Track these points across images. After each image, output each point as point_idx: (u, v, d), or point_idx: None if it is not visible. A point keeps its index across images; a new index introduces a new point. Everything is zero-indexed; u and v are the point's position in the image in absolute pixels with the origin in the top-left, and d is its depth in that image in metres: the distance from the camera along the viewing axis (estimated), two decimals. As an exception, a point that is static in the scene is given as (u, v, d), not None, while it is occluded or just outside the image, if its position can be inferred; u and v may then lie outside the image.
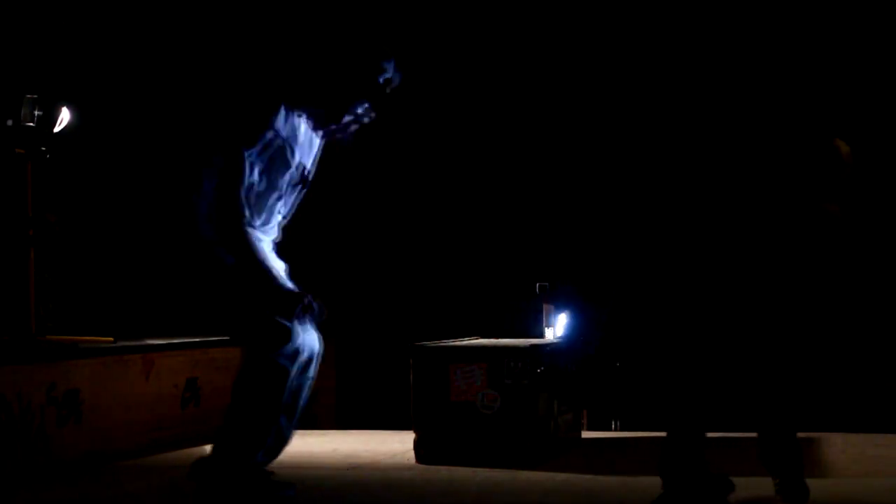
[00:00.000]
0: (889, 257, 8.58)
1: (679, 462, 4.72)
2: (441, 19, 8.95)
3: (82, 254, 8.05)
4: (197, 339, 7.33)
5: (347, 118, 5.03)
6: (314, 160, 5.16)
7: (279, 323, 4.87)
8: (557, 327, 6.98)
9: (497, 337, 6.92)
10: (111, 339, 7.04)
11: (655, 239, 4.60)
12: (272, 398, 4.89)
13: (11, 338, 6.83)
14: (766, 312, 4.63)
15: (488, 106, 8.99)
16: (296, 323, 4.91)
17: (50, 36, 8.14)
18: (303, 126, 5.04)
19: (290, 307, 4.87)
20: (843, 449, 6.48)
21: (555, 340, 6.82)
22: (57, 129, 7.08)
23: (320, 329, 5.12)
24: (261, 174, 4.91)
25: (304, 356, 4.97)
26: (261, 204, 4.96)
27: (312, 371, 5.06)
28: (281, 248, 5.17)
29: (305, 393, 5.07)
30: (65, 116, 7.09)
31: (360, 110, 5.02)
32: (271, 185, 4.97)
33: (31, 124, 7.00)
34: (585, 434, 7.16)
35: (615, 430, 8.06)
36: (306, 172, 5.11)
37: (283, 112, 4.96)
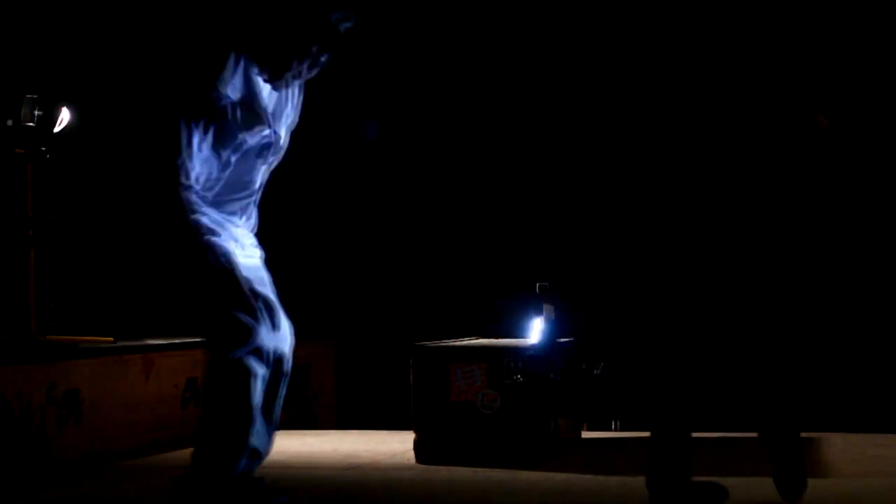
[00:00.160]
0: (889, 257, 8.58)
1: (665, 467, 4.64)
2: (440, 16, 8.95)
3: (82, 254, 8.05)
4: (197, 339, 7.33)
5: (302, 64, 4.63)
6: (289, 127, 4.81)
7: (237, 319, 4.52)
8: (533, 333, 6.71)
9: (497, 337, 6.92)
10: (111, 339, 7.04)
11: (639, 236, 4.56)
12: (241, 401, 4.54)
13: (11, 338, 6.83)
14: (753, 308, 4.57)
15: (487, 107, 8.99)
16: (260, 317, 4.55)
17: (50, 36, 8.14)
18: (267, 89, 4.65)
19: (242, 301, 4.51)
20: (843, 449, 6.47)
21: (532, 345, 6.55)
22: (57, 129, 7.09)
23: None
24: (213, 141, 4.55)
25: (272, 353, 4.63)
26: (215, 174, 4.59)
27: (287, 366, 4.73)
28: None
29: (282, 391, 4.76)
30: (65, 116, 7.09)
31: (313, 50, 4.62)
32: (225, 152, 4.59)
33: (31, 124, 7.01)
34: (585, 434, 7.16)
35: (615, 430, 8.06)
36: (277, 138, 4.73)
37: (233, 70, 4.57)
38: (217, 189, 4.62)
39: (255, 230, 4.83)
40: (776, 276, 4.49)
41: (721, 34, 4.24)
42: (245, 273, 4.58)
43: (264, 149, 4.71)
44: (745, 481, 5.08)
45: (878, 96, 8.38)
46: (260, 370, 4.56)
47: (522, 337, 6.91)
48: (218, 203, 4.64)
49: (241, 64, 4.59)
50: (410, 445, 6.36)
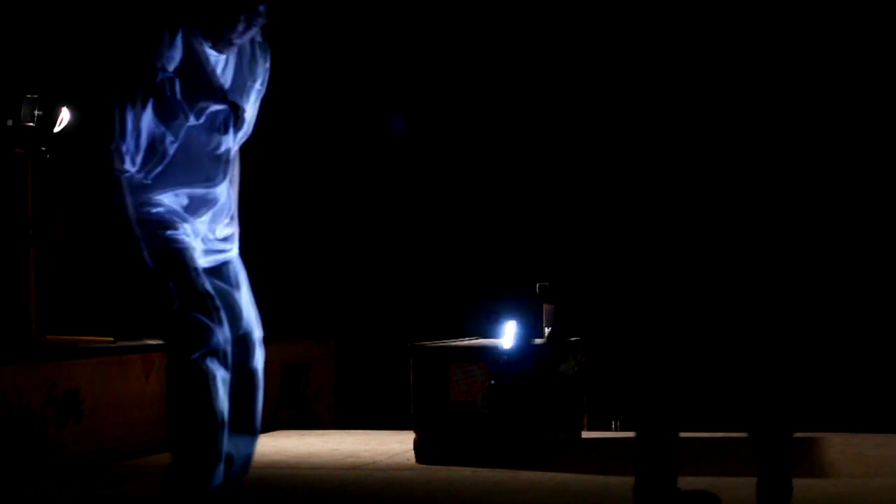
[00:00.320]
0: (888, 257, 8.58)
1: (650, 471, 4.51)
2: (435, 15, 8.95)
3: (82, 254, 8.05)
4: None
5: (240, 26, 4.24)
6: (256, 100, 4.44)
7: (191, 319, 4.18)
8: (506, 336, 6.52)
9: (497, 337, 6.92)
10: (111, 339, 7.04)
11: (626, 235, 4.49)
12: (203, 407, 4.17)
13: (12, 338, 6.83)
14: (745, 307, 4.48)
15: (487, 108, 8.99)
16: (214, 316, 4.21)
17: (50, 36, 8.14)
18: (221, 62, 4.30)
19: (195, 300, 4.17)
20: (843, 449, 6.47)
21: (505, 350, 6.43)
22: (57, 129, 7.09)
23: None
24: (154, 120, 4.19)
25: (229, 354, 4.28)
26: (159, 156, 4.22)
27: (256, 362, 4.40)
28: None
29: (258, 392, 4.43)
30: (65, 116, 7.09)
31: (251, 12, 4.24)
32: (168, 130, 4.22)
33: (31, 124, 7.01)
34: (585, 434, 7.16)
35: (615, 430, 8.06)
36: (236, 112, 4.33)
37: (169, 44, 4.20)
38: (166, 173, 4.24)
39: (232, 217, 4.47)
40: (769, 275, 4.43)
41: (713, 29, 4.22)
42: (198, 270, 4.25)
43: (220, 124, 4.31)
44: (746, 481, 5.07)
45: (874, 94, 8.38)
46: (219, 372, 4.20)
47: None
48: (171, 188, 4.27)
49: (179, 36, 4.22)
50: (410, 445, 6.36)
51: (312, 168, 9.21)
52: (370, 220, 9.34)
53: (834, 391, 8.55)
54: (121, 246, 4.26)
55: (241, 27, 4.25)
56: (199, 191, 4.31)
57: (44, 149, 7.10)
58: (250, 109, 4.42)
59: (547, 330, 6.85)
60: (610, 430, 8.06)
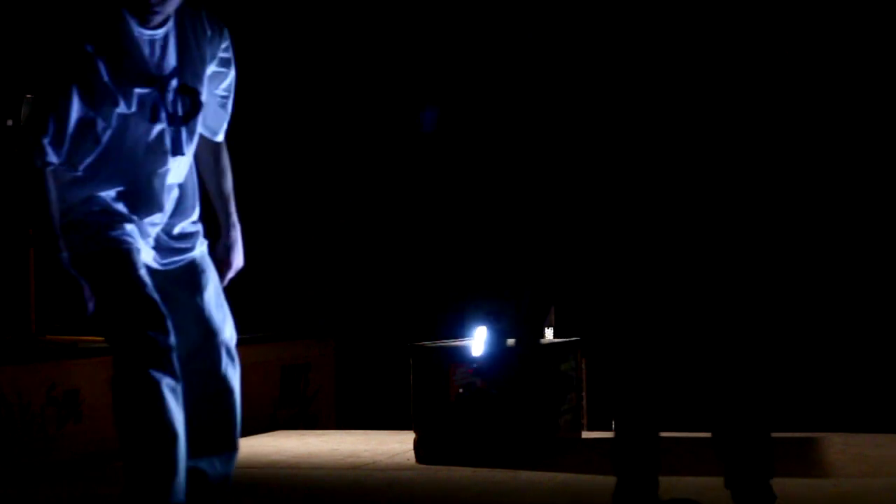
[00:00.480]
0: (888, 257, 8.58)
1: (630, 472, 4.42)
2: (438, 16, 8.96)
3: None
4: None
5: None
6: (210, 79, 3.98)
7: (135, 328, 3.80)
8: (476, 342, 6.39)
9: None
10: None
11: (601, 234, 4.41)
12: (150, 419, 3.82)
13: (12, 338, 6.83)
14: (717, 305, 4.34)
15: (487, 109, 8.99)
16: (159, 324, 3.82)
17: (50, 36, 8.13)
18: (159, 43, 3.86)
19: (139, 308, 3.79)
20: (843, 449, 6.47)
21: (476, 357, 6.32)
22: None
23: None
24: (83, 108, 3.78)
25: (199, 360, 3.97)
26: (91, 146, 3.82)
27: (224, 367, 4.02)
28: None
29: (232, 401, 4.04)
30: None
31: None
32: (100, 117, 3.80)
33: (32, 124, 7.00)
34: (585, 434, 7.16)
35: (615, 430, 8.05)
36: (187, 95, 3.90)
37: (97, 24, 3.82)
38: (100, 164, 3.83)
39: (194, 217, 4.05)
40: (733, 275, 4.32)
41: (691, 29, 4.19)
42: (141, 274, 3.85)
43: (165, 108, 3.86)
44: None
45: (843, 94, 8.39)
46: (164, 381, 3.82)
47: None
48: (108, 184, 3.86)
49: (102, 14, 3.83)
50: (410, 445, 6.36)
51: (312, 168, 9.22)
52: (370, 221, 9.34)
53: (834, 391, 8.55)
54: (47, 249, 3.87)
55: None
56: (143, 187, 3.87)
57: (44, 149, 7.09)
58: (205, 90, 3.97)
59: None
60: (610, 430, 8.05)
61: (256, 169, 8.47)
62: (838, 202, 8.63)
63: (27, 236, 7.10)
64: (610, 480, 5.71)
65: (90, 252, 3.83)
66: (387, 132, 9.32)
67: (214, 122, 4.09)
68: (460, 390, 6.19)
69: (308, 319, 8.84)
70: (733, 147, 4.23)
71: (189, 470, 3.88)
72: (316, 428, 8.18)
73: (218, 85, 4.04)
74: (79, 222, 3.85)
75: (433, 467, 6.15)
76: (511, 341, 6.44)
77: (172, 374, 3.82)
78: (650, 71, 4.18)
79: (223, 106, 4.09)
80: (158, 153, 3.88)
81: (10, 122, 6.98)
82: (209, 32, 3.96)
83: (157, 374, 3.79)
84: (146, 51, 3.85)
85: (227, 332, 4.06)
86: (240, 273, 4.29)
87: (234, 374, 4.06)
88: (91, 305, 3.86)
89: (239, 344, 4.16)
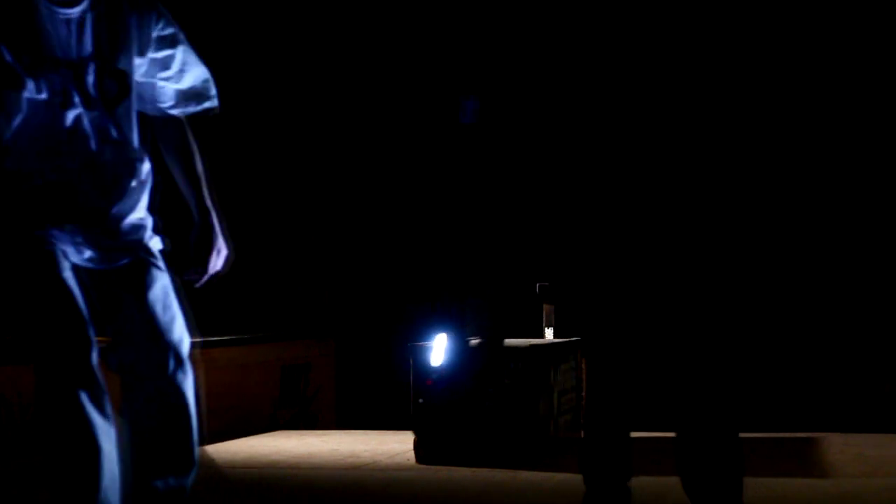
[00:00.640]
0: (888, 258, 8.59)
1: (600, 473, 4.29)
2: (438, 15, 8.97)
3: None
4: (196, 339, 7.32)
5: None
6: (130, 57, 3.59)
7: (46, 336, 3.58)
8: (436, 352, 6.32)
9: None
10: (110, 339, 7.03)
11: (572, 233, 4.39)
12: (66, 430, 3.56)
13: (12, 338, 6.83)
14: (684, 304, 4.26)
15: (487, 109, 9.00)
16: (79, 328, 3.58)
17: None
18: (75, 23, 3.51)
19: (61, 317, 3.55)
20: (843, 449, 6.48)
21: (435, 367, 6.29)
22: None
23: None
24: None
25: (140, 362, 3.75)
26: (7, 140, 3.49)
27: (172, 371, 3.81)
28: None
29: (184, 407, 3.84)
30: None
31: None
32: (12, 108, 3.49)
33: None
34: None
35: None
36: (114, 78, 3.55)
37: (9, 9, 3.45)
38: (19, 155, 3.50)
39: (140, 211, 3.67)
40: (698, 275, 4.25)
41: (665, 28, 4.18)
42: (63, 277, 3.56)
43: (81, 92, 3.51)
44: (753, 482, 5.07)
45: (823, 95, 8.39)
46: (83, 393, 3.62)
47: (522, 337, 6.91)
48: (36, 176, 3.52)
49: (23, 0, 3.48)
50: (410, 445, 6.36)
51: (312, 168, 9.22)
52: (371, 221, 9.35)
53: (834, 391, 8.56)
54: None
55: None
56: (73, 177, 3.52)
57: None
58: (143, 73, 3.61)
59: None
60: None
61: (256, 169, 8.47)
62: (838, 203, 8.64)
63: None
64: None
65: (9, 252, 3.54)
66: (383, 134, 9.33)
67: (163, 99, 3.71)
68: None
69: (308, 319, 8.84)
70: (709, 149, 4.20)
71: (138, 485, 3.64)
72: (316, 428, 8.19)
73: (167, 66, 3.67)
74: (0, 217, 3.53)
75: (433, 467, 6.15)
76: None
77: (93, 385, 3.61)
78: (634, 72, 4.17)
79: (175, 80, 3.69)
80: (83, 140, 3.52)
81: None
82: (139, 11, 3.59)
83: (78, 385, 3.58)
84: (61, 31, 3.50)
85: (176, 334, 3.80)
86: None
87: (184, 380, 3.81)
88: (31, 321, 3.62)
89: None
